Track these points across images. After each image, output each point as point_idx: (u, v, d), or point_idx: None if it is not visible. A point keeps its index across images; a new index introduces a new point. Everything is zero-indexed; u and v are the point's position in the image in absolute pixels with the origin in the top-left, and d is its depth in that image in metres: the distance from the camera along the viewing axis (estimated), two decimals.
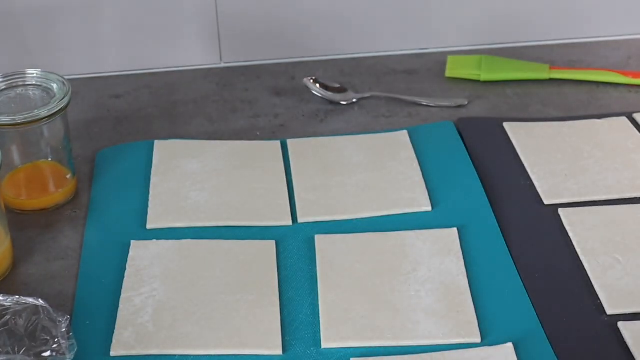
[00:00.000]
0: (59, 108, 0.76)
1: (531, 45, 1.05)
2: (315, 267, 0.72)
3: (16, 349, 0.62)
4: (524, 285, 0.69)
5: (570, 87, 0.98)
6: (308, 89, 0.96)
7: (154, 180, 0.82)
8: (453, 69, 1.00)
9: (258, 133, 0.91)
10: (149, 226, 0.76)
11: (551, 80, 0.98)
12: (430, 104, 0.94)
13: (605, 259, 0.71)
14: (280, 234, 0.76)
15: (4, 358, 0.61)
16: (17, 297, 0.64)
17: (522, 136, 0.87)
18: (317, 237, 0.75)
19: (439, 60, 1.03)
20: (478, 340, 0.64)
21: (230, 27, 1.02)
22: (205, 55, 1.03)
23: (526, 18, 1.05)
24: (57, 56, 1.01)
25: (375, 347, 0.65)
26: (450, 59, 1.01)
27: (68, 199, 0.80)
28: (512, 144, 0.86)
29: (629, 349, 0.63)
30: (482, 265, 0.71)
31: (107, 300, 0.68)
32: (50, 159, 0.80)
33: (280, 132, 0.91)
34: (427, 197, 0.79)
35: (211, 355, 0.64)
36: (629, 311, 0.67)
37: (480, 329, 0.65)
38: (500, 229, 0.75)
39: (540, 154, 0.84)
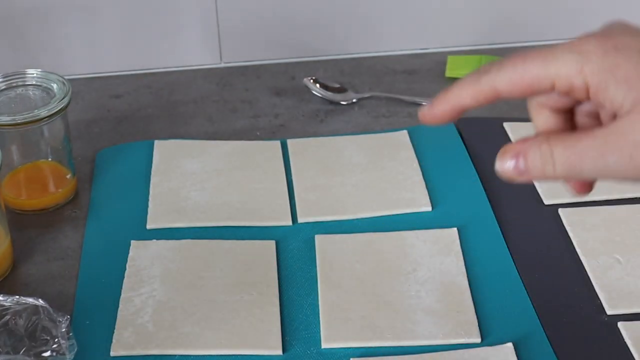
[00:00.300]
0: (59, 108, 0.76)
1: (531, 45, 1.05)
2: (315, 267, 0.72)
3: (16, 349, 0.62)
4: (524, 285, 0.69)
5: None
6: (308, 89, 0.96)
7: (154, 180, 0.82)
8: (453, 69, 1.00)
9: (258, 133, 0.91)
10: (149, 226, 0.76)
11: None
12: None
13: (605, 259, 0.71)
14: (280, 234, 0.75)
15: (4, 358, 0.61)
16: (17, 297, 0.64)
17: (522, 136, 0.86)
18: (317, 237, 0.75)
19: (439, 60, 1.03)
20: (478, 340, 0.64)
21: (230, 27, 1.02)
22: (205, 55, 1.03)
23: (526, 18, 1.05)
24: (57, 56, 1.01)
25: (375, 347, 0.64)
26: (450, 59, 1.01)
27: (68, 199, 0.80)
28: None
29: (629, 349, 0.63)
30: (482, 265, 0.71)
31: (107, 300, 0.68)
32: (50, 159, 0.80)
33: (280, 132, 0.91)
34: (427, 197, 0.79)
35: (211, 355, 0.64)
36: (629, 311, 0.67)
37: (480, 329, 0.65)
38: (500, 229, 0.75)
39: None
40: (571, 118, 0.49)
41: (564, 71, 0.45)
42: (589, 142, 0.44)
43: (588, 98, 0.45)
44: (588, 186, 0.50)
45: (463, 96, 0.49)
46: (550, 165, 0.46)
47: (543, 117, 0.51)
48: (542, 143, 0.47)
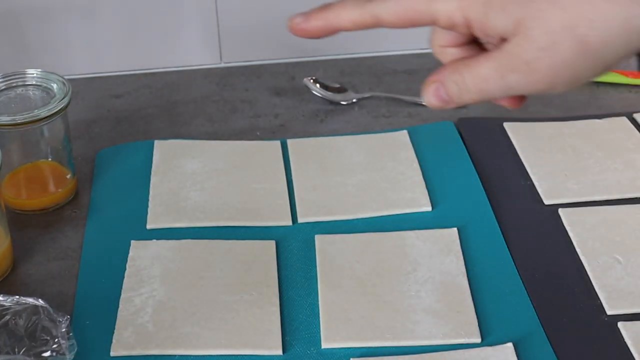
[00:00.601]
0: (59, 108, 0.76)
1: None
2: (315, 267, 0.72)
3: (16, 349, 0.62)
4: (524, 285, 0.69)
5: None
6: (308, 89, 0.96)
7: (154, 180, 0.82)
8: None
9: (258, 133, 0.91)
10: (149, 226, 0.76)
11: None
12: None
13: (605, 259, 0.71)
14: (280, 234, 0.75)
15: (4, 358, 0.61)
16: (17, 297, 0.64)
17: (522, 136, 0.87)
18: (317, 237, 0.75)
19: (439, 60, 1.02)
20: (478, 340, 0.64)
21: (230, 27, 1.02)
22: (205, 55, 1.03)
23: None
24: (57, 56, 1.01)
25: (375, 347, 0.64)
26: None
27: (68, 199, 0.80)
28: (512, 144, 0.86)
29: (629, 349, 0.63)
30: (482, 265, 0.71)
31: (107, 300, 0.68)
32: (50, 159, 0.80)
33: (280, 132, 0.91)
34: (427, 197, 0.79)
35: (211, 355, 0.64)
36: (629, 311, 0.67)
37: (480, 329, 0.65)
38: (500, 229, 0.75)
39: (540, 154, 0.84)
40: (479, 46, 0.51)
41: (445, 9, 0.47)
42: (488, 65, 0.47)
43: (470, 32, 0.48)
44: (518, 99, 0.52)
45: (343, 18, 0.49)
46: (466, 91, 0.49)
47: (449, 55, 0.52)
48: (453, 73, 0.49)
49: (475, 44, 0.51)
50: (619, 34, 0.45)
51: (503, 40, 0.47)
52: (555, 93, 0.48)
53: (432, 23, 0.48)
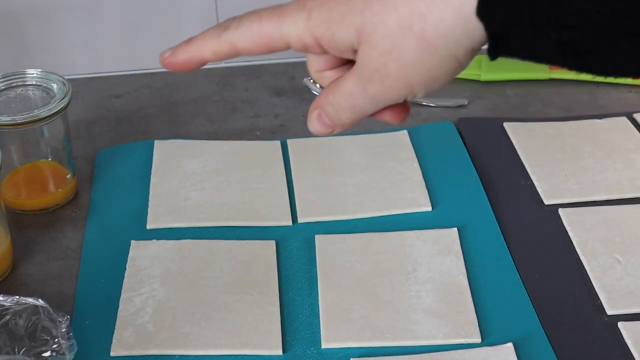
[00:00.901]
0: (59, 108, 0.76)
1: None
2: (315, 267, 0.72)
3: (16, 349, 0.62)
4: (524, 286, 0.69)
5: (571, 87, 0.98)
6: (308, 89, 0.96)
7: (154, 180, 0.82)
8: None
9: (258, 133, 0.91)
10: (149, 226, 0.76)
11: (551, 80, 0.98)
12: (430, 104, 0.94)
13: (605, 259, 0.71)
14: (280, 234, 0.75)
15: (4, 358, 0.61)
16: (17, 297, 0.64)
17: (522, 136, 0.87)
18: (317, 237, 0.75)
19: None
20: (478, 340, 0.64)
21: None
22: None
23: None
24: (57, 56, 1.01)
25: (375, 347, 0.64)
26: None
27: (68, 199, 0.80)
28: (512, 144, 0.86)
29: (629, 349, 0.63)
30: (482, 265, 0.71)
31: (107, 300, 0.68)
32: (50, 159, 0.80)
33: (280, 132, 0.91)
34: (427, 197, 0.79)
35: (211, 355, 0.64)
36: (629, 311, 0.67)
37: (480, 329, 0.65)
38: (500, 229, 0.75)
39: (540, 154, 0.84)
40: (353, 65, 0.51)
41: (294, 30, 0.47)
42: (351, 79, 0.47)
43: (325, 51, 0.47)
44: (399, 112, 0.51)
45: (204, 50, 0.50)
46: (341, 111, 0.49)
47: (327, 79, 0.51)
48: (327, 95, 0.49)
49: (350, 63, 0.50)
50: (455, 24, 0.43)
51: (355, 52, 0.46)
52: (419, 97, 0.47)
53: (287, 46, 0.48)
